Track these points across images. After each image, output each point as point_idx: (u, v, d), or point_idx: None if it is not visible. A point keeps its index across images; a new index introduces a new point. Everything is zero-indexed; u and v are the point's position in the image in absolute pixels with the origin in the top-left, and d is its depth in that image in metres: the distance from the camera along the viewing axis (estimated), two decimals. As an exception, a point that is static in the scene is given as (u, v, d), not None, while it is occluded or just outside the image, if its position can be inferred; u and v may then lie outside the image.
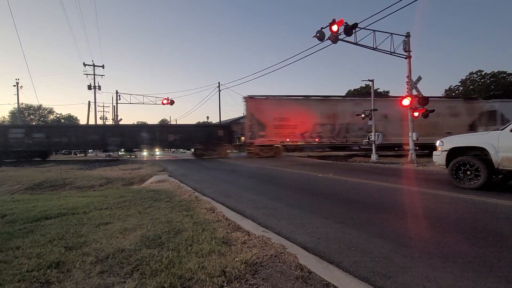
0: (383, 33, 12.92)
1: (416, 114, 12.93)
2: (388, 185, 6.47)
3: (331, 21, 11.48)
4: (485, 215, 3.77)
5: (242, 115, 28.23)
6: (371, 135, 15.38)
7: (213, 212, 3.99)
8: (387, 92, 47.03)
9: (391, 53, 13.21)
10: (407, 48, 13.19)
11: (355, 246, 2.70)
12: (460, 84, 44.34)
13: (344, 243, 2.80)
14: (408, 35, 13.19)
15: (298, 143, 19.72)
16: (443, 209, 4.19)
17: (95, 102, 30.81)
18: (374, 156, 14.95)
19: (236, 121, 34.23)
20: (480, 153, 5.76)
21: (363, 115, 15.85)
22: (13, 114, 47.85)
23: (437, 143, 6.64)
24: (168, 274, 2.05)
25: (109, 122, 37.18)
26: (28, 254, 2.49)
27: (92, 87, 29.51)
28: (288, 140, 19.09)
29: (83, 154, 31.72)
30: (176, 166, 12.88)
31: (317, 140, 19.48)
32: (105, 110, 38.01)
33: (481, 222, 3.47)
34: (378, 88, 46.20)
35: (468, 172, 5.78)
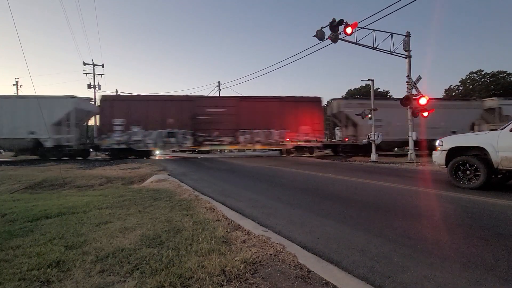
0: (383, 33, 12.95)
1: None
2: (387, 185, 6.48)
3: (331, 20, 11.50)
4: (484, 215, 3.78)
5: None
6: (371, 134, 15.41)
7: (213, 212, 4.00)
8: (387, 91, 47.00)
9: (391, 53, 13.24)
10: (406, 48, 13.21)
11: (354, 246, 2.71)
12: (460, 84, 44.34)
13: (344, 242, 2.81)
14: (408, 35, 13.21)
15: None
16: (442, 208, 4.20)
17: (94, 102, 30.74)
18: (373, 156, 14.98)
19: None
20: (480, 152, 5.77)
21: (363, 115, 15.88)
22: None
23: (437, 142, 6.65)
24: (168, 273, 2.06)
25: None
26: (28, 253, 2.50)
27: (92, 86, 29.45)
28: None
29: None
30: (176, 165, 12.89)
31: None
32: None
33: (480, 221, 3.48)
34: (378, 88, 46.18)
35: (468, 172, 5.80)
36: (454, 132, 19.45)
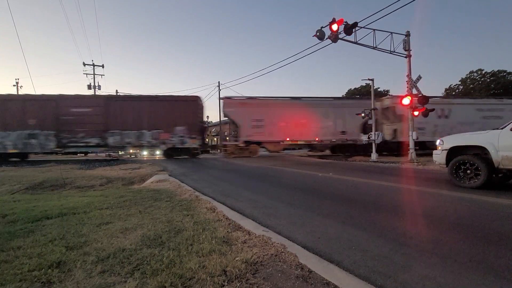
0: (383, 32, 12.93)
1: (416, 113, 13.01)
2: (388, 184, 6.47)
3: (331, 20, 11.49)
4: (485, 214, 3.77)
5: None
6: (371, 134, 15.40)
7: (214, 212, 4.00)
8: (387, 91, 47.00)
9: (391, 52, 13.21)
10: (407, 47, 13.19)
11: (355, 245, 2.70)
12: (460, 83, 44.30)
13: (344, 242, 2.81)
14: (408, 34, 13.19)
15: None
16: (443, 208, 4.20)
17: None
18: (374, 156, 14.97)
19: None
20: (480, 152, 5.76)
21: (362, 114, 15.88)
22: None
23: (437, 142, 6.64)
24: (169, 274, 2.06)
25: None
26: (29, 254, 2.50)
27: (92, 87, 29.45)
28: None
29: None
30: (176, 166, 12.88)
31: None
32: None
33: (480, 221, 3.47)
34: (379, 87, 46.15)
35: (468, 171, 5.79)
36: (343, 133, 19.11)
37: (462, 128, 17.94)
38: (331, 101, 20.37)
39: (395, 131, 19.64)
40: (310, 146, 21.35)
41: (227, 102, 18.88)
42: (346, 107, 19.60)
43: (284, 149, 22.31)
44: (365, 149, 18.93)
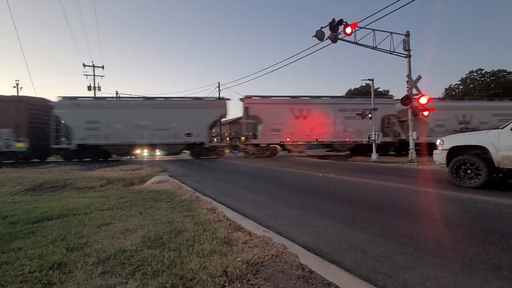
0: (383, 32, 12.95)
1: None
2: (388, 184, 6.47)
3: (331, 20, 11.51)
4: (486, 214, 3.77)
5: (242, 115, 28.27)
6: (371, 134, 15.39)
7: (214, 212, 4.00)
8: (387, 91, 47.00)
9: (391, 52, 13.24)
10: (406, 47, 13.21)
11: (356, 246, 2.70)
12: (460, 83, 44.29)
13: (345, 242, 2.81)
14: (407, 34, 13.21)
15: None
16: (444, 208, 4.20)
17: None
18: (374, 156, 14.96)
19: (235, 121, 34.19)
20: (481, 151, 5.76)
21: (363, 115, 15.87)
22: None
23: (438, 142, 6.65)
24: (169, 275, 2.06)
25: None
26: (30, 255, 2.50)
27: (92, 88, 29.47)
28: None
29: None
30: (176, 166, 12.89)
31: None
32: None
33: (481, 221, 3.47)
34: (379, 87, 46.15)
35: (469, 171, 5.79)
36: (189, 135, 18.47)
37: (321, 129, 17.78)
38: (176, 101, 19.70)
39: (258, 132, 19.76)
40: (156, 149, 20.43)
41: (59, 103, 17.72)
42: (192, 107, 19.10)
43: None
44: (218, 153, 19.49)
